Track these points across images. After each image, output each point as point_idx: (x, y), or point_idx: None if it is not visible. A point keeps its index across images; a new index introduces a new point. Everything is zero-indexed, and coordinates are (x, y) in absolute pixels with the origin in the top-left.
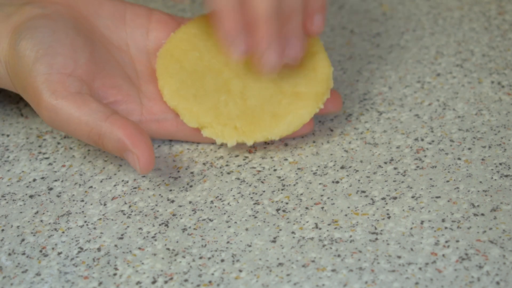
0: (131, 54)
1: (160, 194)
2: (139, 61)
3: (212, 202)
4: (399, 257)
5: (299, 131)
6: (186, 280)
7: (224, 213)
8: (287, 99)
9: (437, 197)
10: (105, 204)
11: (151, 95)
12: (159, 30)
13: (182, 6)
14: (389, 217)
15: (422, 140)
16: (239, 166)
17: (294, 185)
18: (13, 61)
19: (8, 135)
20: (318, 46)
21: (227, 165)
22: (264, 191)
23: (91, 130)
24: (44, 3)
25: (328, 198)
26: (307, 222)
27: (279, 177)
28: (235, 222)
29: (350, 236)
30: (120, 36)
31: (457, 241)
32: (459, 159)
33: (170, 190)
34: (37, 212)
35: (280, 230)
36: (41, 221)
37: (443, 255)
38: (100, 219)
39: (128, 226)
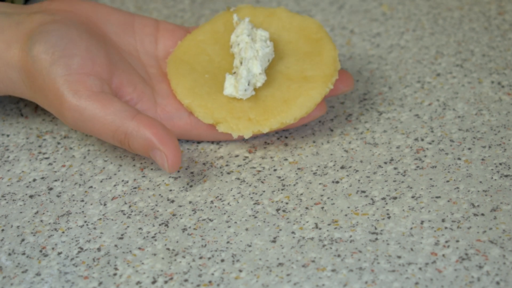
0: (141, 59)
1: (160, 194)
2: (150, 65)
3: (212, 202)
4: (399, 257)
5: (313, 114)
6: (186, 280)
7: (224, 213)
8: (296, 84)
9: (437, 197)
10: (105, 204)
11: (165, 94)
12: (167, 38)
13: (182, 6)
14: (389, 217)
15: (422, 140)
16: (239, 166)
17: (294, 185)
18: (28, 66)
19: (8, 135)
20: (321, 33)
21: (227, 165)
22: (264, 191)
23: (117, 129)
24: (54, 11)
25: (328, 198)
26: (307, 222)
27: (279, 177)
28: (235, 222)
29: (350, 236)
30: (129, 42)
31: (457, 241)
32: (459, 159)
33: (170, 190)
34: (37, 212)
35: (280, 230)
36: (41, 221)
37: (443, 255)
38: (100, 219)
39: (128, 226)
